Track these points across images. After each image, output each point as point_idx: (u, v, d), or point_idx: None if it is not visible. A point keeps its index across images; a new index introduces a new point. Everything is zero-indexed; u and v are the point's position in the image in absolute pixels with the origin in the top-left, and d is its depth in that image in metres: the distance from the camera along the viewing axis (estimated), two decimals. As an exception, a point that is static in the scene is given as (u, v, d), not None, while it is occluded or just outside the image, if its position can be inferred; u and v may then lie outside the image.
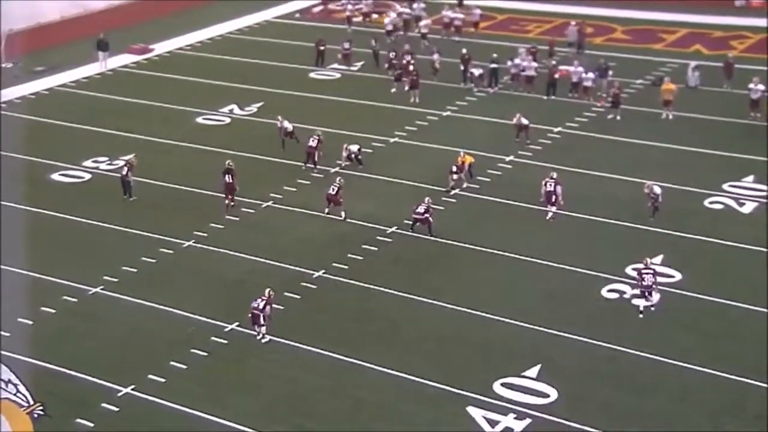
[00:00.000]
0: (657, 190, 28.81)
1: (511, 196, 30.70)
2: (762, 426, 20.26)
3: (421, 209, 28.35)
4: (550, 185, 29.18)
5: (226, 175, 30.68)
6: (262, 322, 23.43)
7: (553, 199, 29.05)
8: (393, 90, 40.06)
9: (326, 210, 29.68)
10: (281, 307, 24.84)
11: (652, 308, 24.10)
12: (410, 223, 28.59)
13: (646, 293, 24.12)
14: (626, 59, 43.52)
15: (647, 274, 24.14)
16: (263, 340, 23.43)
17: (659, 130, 35.94)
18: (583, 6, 51.28)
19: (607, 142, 35.27)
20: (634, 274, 24.90)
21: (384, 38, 46.47)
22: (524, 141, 34.65)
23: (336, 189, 29.58)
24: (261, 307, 23.36)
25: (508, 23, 50.47)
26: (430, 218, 28.33)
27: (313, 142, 33.18)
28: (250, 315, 23.55)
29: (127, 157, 32.85)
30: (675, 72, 40.73)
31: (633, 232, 28.41)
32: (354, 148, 33.40)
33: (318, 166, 33.02)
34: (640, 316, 23.98)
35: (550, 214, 29.01)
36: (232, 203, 30.60)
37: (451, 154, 32.43)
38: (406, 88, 39.52)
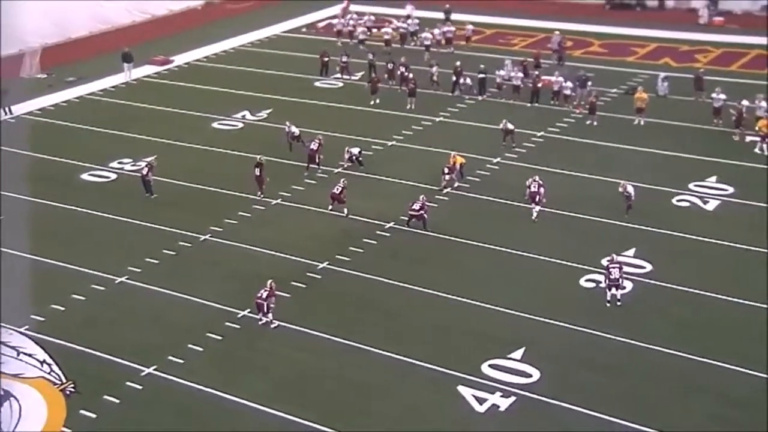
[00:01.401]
0: (630, 189, 28.74)
1: (498, 194, 30.66)
2: (724, 403, 20.27)
3: (416, 206, 28.30)
4: (534, 186, 29.11)
5: (257, 168, 30.84)
6: (265, 310, 23.40)
7: (537, 199, 28.99)
8: (371, 102, 39.81)
9: (330, 207, 29.63)
10: (288, 296, 24.82)
11: (618, 301, 23.91)
12: (406, 219, 28.54)
13: (613, 286, 23.97)
14: (602, 70, 43.41)
15: (614, 268, 24.02)
16: (272, 326, 23.37)
17: (632, 135, 35.88)
18: (563, 22, 51.17)
19: (585, 146, 35.21)
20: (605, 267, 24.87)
21: (380, 51, 46.19)
22: (510, 144, 34.58)
23: (340, 189, 29.52)
24: (264, 297, 23.34)
25: (496, 37, 50.33)
26: (425, 214, 28.28)
27: (314, 146, 33.09)
28: (255, 304, 23.55)
29: (148, 159, 32.79)
30: (646, 82, 40.66)
31: (608, 227, 28.38)
32: (355, 150, 33.33)
33: (321, 167, 32.96)
34: (608, 305, 23.91)
35: (534, 214, 28.93)
36: (262, 194, 30.72)
37: (444, 156, 32.37)
38: (408, 99, 39.24)
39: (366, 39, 48.65)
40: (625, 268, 24.65)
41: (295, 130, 34.70)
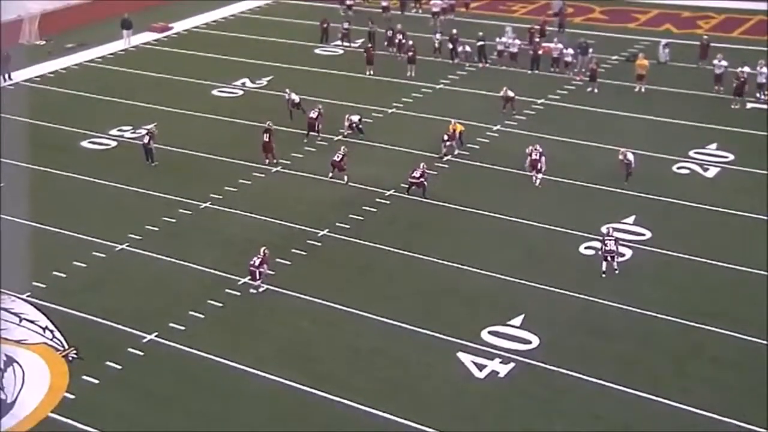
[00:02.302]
0: (630, 156, 28.70)
1: (498, 162, 30.65)
2: (718, 367, 20.45)
3: (416, 174, 28.31)
4: (536, 154, 29.10)
5: (265, 134, 30.82)
6: (258, 277, 23.55)
7: (539, 167, 28.99)
8: (368, 73, 39.58)
9: (330, 175, 29.65)
10: (289, 263, 24.93)
11: (616, 270, 23.90)
12: (406, 186, 28.57)
13: (608, 257, 23.91)
14: (603, 37, 43.25)
15: (610, 240, 24.00)
16: (260, 289, 23.57)
17: (633, 102, 35.81)
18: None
19: (585, 113, 35.15)
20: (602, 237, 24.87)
21: (382, 18, 45.98)
22: (510, 112, 34.53)
23: (341, 156, 29.51)
24: (257, 264, 23.49)
25: (496, 3, 49.99)
26: (425, 182, 28.31)
27: (313, 114, 33.01)
28: (249, 271, 23.72)
29: (148, 126, 32.76)
30: (647, 49, 40.43)
31: (608, 194, 28.41)
32: (355, 118, 33.28)
33: (321, 135, 32.93)
34: (603, 276, 23.87)
35: (537, 181, 28.94)
36: (272, 159, 30.81)
37: (444, 123, 32.32)
38: (408, 66, 39.06)
39: (353, 5, 48.20)
40: (624, 237, 24.70)
41: (296, 97, 34.63)
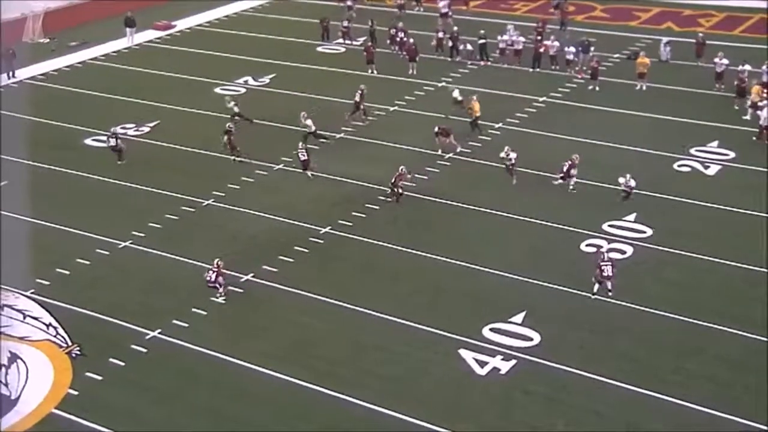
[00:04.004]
0: (633, 183, 27.46)
1: (499, 159, 30.57)
2: (720, 365, 20.42)
3: (393, 179, 27.70)
4: (567, 165, 28.23)
5: (225, 136, 31.12)
6: (218, 289, 23.15)
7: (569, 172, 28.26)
8: (369, 72, 39.48)
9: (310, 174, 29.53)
10: (291, 260, 24.94)
11: (609, 292, 22.85)
12: (412, 184, 28.47)
13: (604, 282, 22.78)
14: (605, 35, 43.17)
15: (606, 265, 22.71)
16: (220, 299, 23.14)
17: (634, 100, 35.76)
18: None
19: (586, 111, 35.10)
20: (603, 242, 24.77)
21: (395, 16, 45.86)
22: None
23: (306, 155, 29.50)
24: (213, 279, 23.06)
25: (497, 2, 49.94)
26: (400, 189, 27.75)
27: (357, 97, 33.54)
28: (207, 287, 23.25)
29: (114, 129, 32.23)
30: (648, 47, 40.39)
31: (609, 192, 28.32)
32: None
33: (365, 116, 33.65)
34: (592, 297, 22.82)
35: (571, 186, 28.35)
36: (237, 155, 30.97)
37: (444, 121, 32.25)
38: (409, 65, 39.05)
39: (355, 3, 48.09)
40: (625, 234, 24.60)
41: (236, 108, 34.00)
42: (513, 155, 28.84)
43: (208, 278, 23.14)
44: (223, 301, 23.16)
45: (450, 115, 33.78)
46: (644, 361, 20.58)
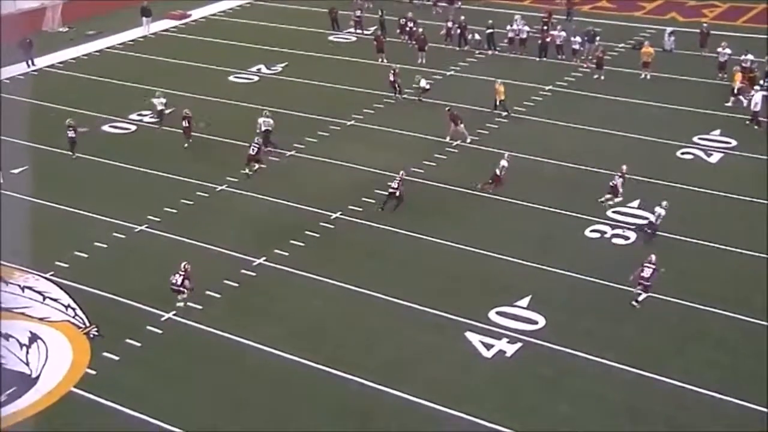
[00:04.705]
0: (660, 212, 24.76)
1: (506, 147, 30.43)
2: (723, 350, 20.36)
3: (393, 184, 26.66)
4: (614, 181, 26.54)
5: (184, 121, 31.20)
6: (183, 292, 22.06)
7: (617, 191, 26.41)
8: (379, 61, 39.22)
9: (247, 169, 29.06)
10: (303, 245, 24.93)
11: (637, 303, 21.73)
12: (420, 171, 28.38)
13: (642, 285, 21.75)
14: (610, 25, 42.94)
15: (648, 267, 21.70)
16: (179, 304, 22.04)
17: (638, 89, 35.57)
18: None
19: (592, 99, 34.95)
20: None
21: (391, 7, 45.68)
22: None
23: (256, 149, 29.16)
24: (179, 282, 21.96)
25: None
26: (401, 194, 26.58)
27: (391, 77, 34.13)
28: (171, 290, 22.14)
29: (70, 121, 31.49)
30: (653, 37, 40.14)
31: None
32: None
33: (399, 95, 34.38)
34: (635, 303, 21.83)
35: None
36: (187, 140, 31.28)
37: (454, 109, 32.09)
38: (419, 54, 38.87)
39: None
40: (628, 221, 24.47)
41: (160, 105, 33.34)
42: (504, 163, 27.65)
43: (174, 281, 21.99)
44: (179, 304, 22.05)
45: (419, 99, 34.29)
46: (647, 345, 20.52)
